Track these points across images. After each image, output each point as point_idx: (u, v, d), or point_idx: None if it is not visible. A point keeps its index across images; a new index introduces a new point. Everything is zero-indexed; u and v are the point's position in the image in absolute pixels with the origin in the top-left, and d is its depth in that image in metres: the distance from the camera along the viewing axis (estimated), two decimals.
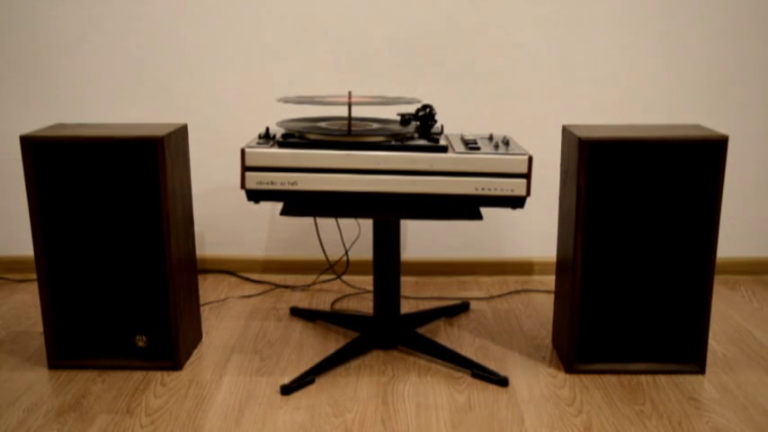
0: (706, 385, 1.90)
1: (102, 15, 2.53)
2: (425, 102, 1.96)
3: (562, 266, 2.00)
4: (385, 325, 2.09)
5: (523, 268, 2.71)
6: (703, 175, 1.83)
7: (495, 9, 2.51)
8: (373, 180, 1.80)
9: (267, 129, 1.93)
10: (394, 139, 1.85)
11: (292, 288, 2.60)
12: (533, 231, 2.67)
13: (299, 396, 1.85)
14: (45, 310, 1.93)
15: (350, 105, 1.92)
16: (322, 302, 2.46)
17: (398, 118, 1.96)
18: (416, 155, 1.79)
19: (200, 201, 2.47)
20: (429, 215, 1.85)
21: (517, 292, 2.56)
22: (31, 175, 1.85)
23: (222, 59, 2.56)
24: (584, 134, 1.82)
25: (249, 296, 2.52)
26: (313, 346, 2.12)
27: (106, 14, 2.53)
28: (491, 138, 1.97)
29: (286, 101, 1.97)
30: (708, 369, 1.95)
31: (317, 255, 2.64)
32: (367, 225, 2.59)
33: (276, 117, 2.48)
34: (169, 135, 1.85)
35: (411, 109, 1.98)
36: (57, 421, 1.73)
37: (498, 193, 1.80)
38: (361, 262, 2.61)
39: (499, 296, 2.52)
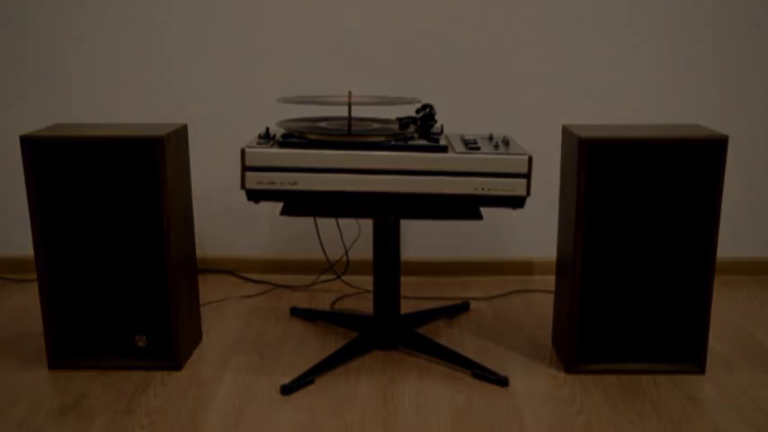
0: (706, 385, 1.89)
1: (102, 15, 2.53)
2: (426, 102, 1.96)
3: (562, 266, 2.00)
4: (385, 325, 2.09)
5: (523, 268, 2.71)
6: (703, 175, 1.83)
7: (495, 9, 2.51)
8: (373, 180, 1.80)
9: (267, 129, 1.93)
10: (394, 138, 1.85)
11: (292, 288, 2.59)
12: (533, 231, 2.67)
13: (299, 396, 1.85)
14: (45, 310, 1.93)
15: (350, 105, 1.92)
16: (322, 302, 2.46)
17: (399, 117, 1.96)
18: (416, 155, 1.79)
19: (200, 201, 2.47)
20: (429, 215, 1.85)
21: (517, 292, 2.56)
22: (31, 175, 1.85)
23: (222, 59, 2.56)
24: (584, 134, 1.82)
25: (249, 296, 2.51)
26: (313, 346, 2.12)
27: (106, 14, 2.53)
28: (491, 138, 1.97)
29: (286, 101, 1.97)
30: (708, 369, 1.95)
31: (317, 255, 2.63)
32: (367, 225, 2.59)
33: (276, 117, 2.48)
34: (169, 135, 1.85)
35: (411, 109, 1.98)
36: (57, 421, 1.73)
37: (498, 193, 1.80)
38: (361, 262, 2.61)
39: (499, 296, 2.52)
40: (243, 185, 1.82)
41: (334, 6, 2.51)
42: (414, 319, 2.26)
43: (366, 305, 2.41)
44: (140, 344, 1.96)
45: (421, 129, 1.91)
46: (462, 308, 2.39)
